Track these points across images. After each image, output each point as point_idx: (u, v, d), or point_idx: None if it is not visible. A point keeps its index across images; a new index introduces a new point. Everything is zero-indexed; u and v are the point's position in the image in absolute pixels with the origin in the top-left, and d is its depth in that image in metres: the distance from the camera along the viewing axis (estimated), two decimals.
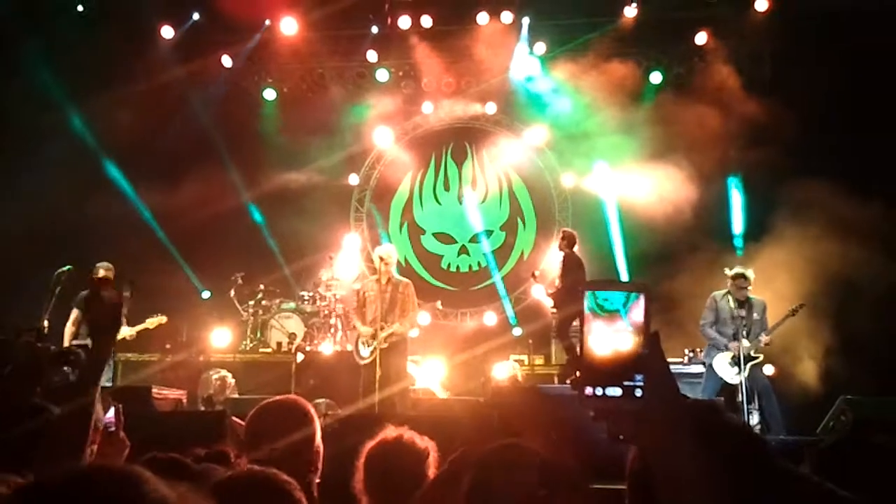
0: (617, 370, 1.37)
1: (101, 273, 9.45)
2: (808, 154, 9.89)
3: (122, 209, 11.36)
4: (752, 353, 8.27)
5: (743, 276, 8.52)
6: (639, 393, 1.34)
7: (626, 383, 1.35)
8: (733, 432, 1.32)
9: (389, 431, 2.94)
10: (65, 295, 9.06)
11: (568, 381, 9.71)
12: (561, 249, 10.02)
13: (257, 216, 12.45)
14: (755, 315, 8.47)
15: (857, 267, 9.28)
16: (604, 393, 1.38)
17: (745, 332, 8.31)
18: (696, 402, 1.34)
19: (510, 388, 8.94)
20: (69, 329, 9.34)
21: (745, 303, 8.48)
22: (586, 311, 1.43)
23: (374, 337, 8.31)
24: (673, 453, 1.30)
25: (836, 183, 9.36)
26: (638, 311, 1.39)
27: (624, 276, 11.78)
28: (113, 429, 2.73)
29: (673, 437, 1.31)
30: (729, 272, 8.70)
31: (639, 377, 1.35)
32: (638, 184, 11.39)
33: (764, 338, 8.33)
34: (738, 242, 10.89)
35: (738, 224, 11.00)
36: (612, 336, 1.38)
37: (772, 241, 9.89)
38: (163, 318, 9.53)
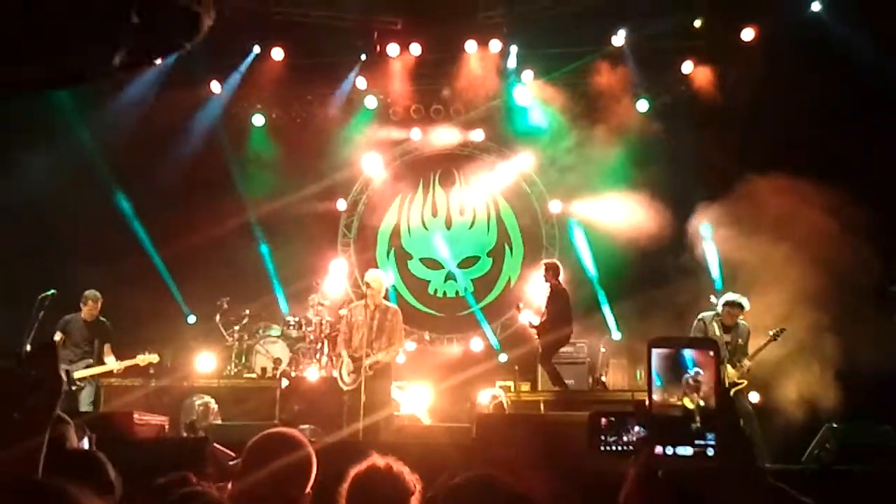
0: (687, 429, 1.33)
1: (89, 304, 9.42)
2: (792, 181, 9.94)
3: (111, 231, 11.35)
4: (736, 380, 8.30)
5: (739, 306, 8.57)
6: (710, 452, 1.30)
7: (697, 442, 1.31)
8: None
9: (378, 459, 2.90)
10: (48, 319, 9.03)
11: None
12: (546, 280, 10.04)
13: (262, 243, 12.48)
14: (739, 340, 8.52)
15: (842, 294, 9.31)
16: (674, 452, 1.33)
17: (728, 361, 8.36)
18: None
19: (497, 415, 8.90)
20: None
21: (731, 328, 8.53)
22: (653, 369, 1.38)
23: (358, 369, 8.28)
24: None
25: (820, 210, 9.42)
26: (708, 369, 1.35)
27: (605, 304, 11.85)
28: None
29: (751, 498, 1.27)
30: (716, 299, 8.73)
31: (710, 436, 1.31)
32: (623, 211, 11.44)
33: (746, 362, 8.37)
34: (717, 274, 10.89)
35: (713, 260, 10.98)
36: (680, 394, 1.34)
37: (753, 268, 9.91)
38: (154, 357, 9.46)
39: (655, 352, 1.35)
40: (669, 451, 1.35)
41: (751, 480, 1.27)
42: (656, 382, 1.37)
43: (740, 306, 8.58)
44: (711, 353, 1.32)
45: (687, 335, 8.63)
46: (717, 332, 8.50)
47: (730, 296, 8.78)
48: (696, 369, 1.37)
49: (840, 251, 9.23)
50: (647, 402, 1.38)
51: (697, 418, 1.36)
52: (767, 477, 1.33)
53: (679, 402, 1.37)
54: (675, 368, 1.38)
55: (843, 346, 9.10)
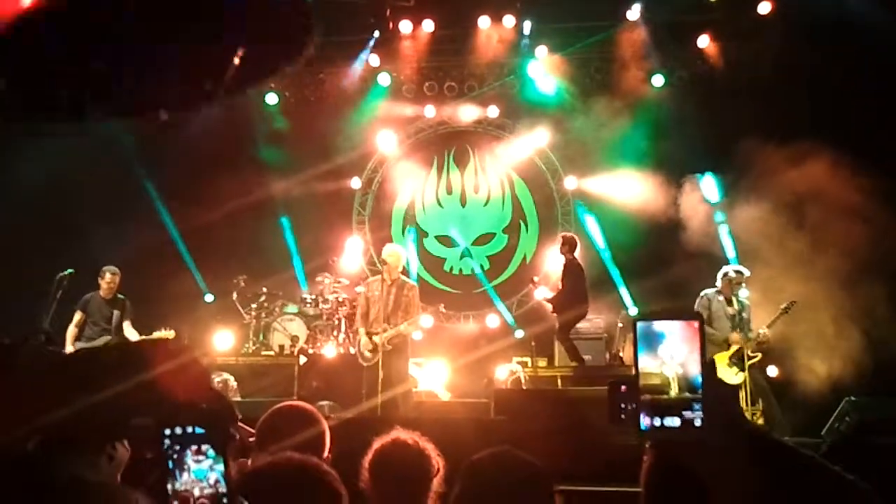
0: (674, 400, 1.34)
1: (108, 277, 9.49)
2: (810, 155, 9.87)
3: (129, 209, 11.40)
4: (750, 353, 8.32)
5: (739, 273, 8.64)
6: (698, 422, 1.31)
7: (684, 413, 1.32)
8: (790, 455, 1.30)
9: (402, 433, 2.90)
10: (66, 298, 9.10)
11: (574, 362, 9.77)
12: (562, 254, 10.02)
13: (282, 220, 12.51)
14: (744, 314, 8.58)
15: (861, 264, 9.26)
16: (662, 423, 1.35)
17: (738, 330, 8.39)
18: (751, 427, 1.31)
19: (515, 391, 8.94)
20: (71, 331, 9.38)
21: (733, 301, 8.59)
22: (638, 342, 1.39)
23: (375, 345, 8.32)
24: (737, 482, 1.28)
25: (842, 184, 9.35)
26: (692, 340, 1.35)
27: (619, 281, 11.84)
28: None
29: (735, 465, 1.28)
30: (721, 272, 8.79)
31: (697, 406, 1.31)
32: (638, 187, 11.39)
33: (762, 332, 8.39)
34: (732, 249, 10.84)
35: (728, 236, 10.91)
36: (659, 365, 1.35)
37: (771, 242, 9.86)
38: (171, 333, 9.52)
39: (640, 325, 1.37)
40: (657, 422, 1.37)
41: (742, 450, 1.27)
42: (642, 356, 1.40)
43: (739, 273, 8.67)
44: (696, 324, 1.33)
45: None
46: (724, 307, 8.55)
47: (726, 267, 8.88)
48: (672, 341, 1.38)
49: (862, 226, 9.17)
50: (634, 375, 1.40)
51: (677, 388, 1.37)
52: (782, 444, 1.34)
53: (659, 373, 1.38)
54: (652, 342, 1.39)
55: (866, 321, 9.05)
